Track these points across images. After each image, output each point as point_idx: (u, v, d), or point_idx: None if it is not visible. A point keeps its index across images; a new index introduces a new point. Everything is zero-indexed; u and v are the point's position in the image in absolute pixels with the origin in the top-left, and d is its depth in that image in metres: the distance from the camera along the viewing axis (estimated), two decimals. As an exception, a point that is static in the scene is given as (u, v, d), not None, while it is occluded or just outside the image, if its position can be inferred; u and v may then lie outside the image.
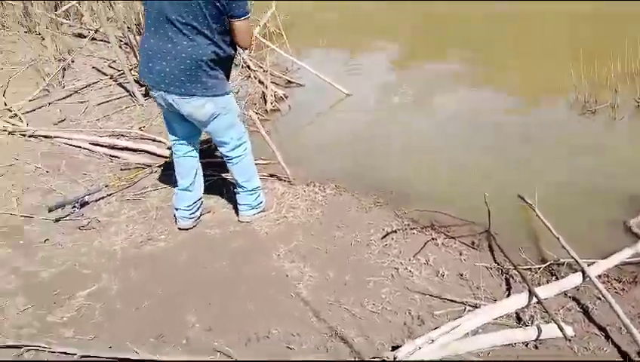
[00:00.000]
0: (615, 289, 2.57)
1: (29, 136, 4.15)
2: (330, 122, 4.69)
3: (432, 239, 2.99)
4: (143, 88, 4.73)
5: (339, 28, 7.27)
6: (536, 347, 2.25)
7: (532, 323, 2.37)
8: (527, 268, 2.76)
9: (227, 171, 3.58)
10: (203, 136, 3.11)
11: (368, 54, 6.45)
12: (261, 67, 5.42)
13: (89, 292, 2.63)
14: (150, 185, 3.56)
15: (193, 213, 3.03)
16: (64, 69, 5.30)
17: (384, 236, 3.01)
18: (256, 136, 3.59)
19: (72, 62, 5.53)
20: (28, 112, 4.55)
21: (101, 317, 2.48)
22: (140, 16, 5.84)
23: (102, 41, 6.07)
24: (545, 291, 2.51)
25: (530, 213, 3.15)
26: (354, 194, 3.47)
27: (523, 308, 2.44)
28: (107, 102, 4.81)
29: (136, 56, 4.93)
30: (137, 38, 5.01)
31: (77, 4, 6.65)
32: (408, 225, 3.14)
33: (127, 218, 3.23)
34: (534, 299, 2.41)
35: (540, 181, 3.49)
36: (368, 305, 2.49)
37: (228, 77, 2.77)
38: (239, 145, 2.88)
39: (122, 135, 4.24)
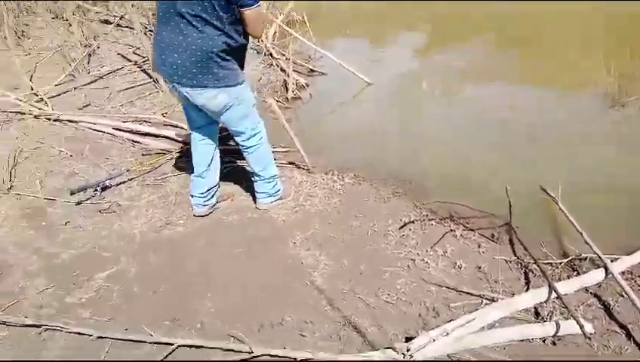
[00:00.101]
0: (639, 286, 2.50)
1: (54, 120, 4.22)
2: (351, 111, 4.65)
3: (451, 231, 2.94)
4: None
5: (363, 17, 7.20)
6: (554, 343, 2.20)
7: (551, 318, 2.32)
8: (548, 263, 2.70)
9: (241, 160, 3.61)
10: (222, 124, 3.11)
11: (392, 44, 6.38)
12: (283, 55, 5.41)
13: (108, 274, 2.66)
14: (170, 170, 3.58)
15: (208, 201, 3.04)
16: (90, 55, 5.37)
17: (402, 226, 2.98)
18: (276, 124, 3.58)
19: (98, 48, 5.60)
20: (53, 97, 4.62)
21: (118, 299, 2.51)
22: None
23: (127, 27, 6.13)
24: (565, 286, 2.45)
25: (553, 206, 3.08)
26: (373, 184, 3.44)
27: (542, 303, 2.39)
28: (131, 88, 4.86)
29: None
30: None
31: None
32: (427, 216, 3.10)
33: (147, 202, 3.27)
34: (554, 294, 2.36)
35: (565, 174, 3.40)
36: (383, 295, 2.47)
37: (242, 66, 2.73)
38: (254, 135, 2.87)
39: (145, 121, 4.28)
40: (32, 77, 4.96)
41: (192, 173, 3.04)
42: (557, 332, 2.22)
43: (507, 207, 2.99)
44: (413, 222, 3.02)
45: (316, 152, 3.74)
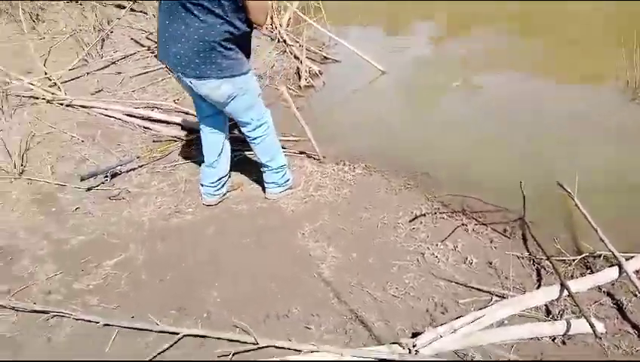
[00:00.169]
0: (654, 286, 2.44)
1: (67, 105, 4.23)
2: (364, 100, 4.59)
3: (462, 225, 2.90)
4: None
5: (380, 4, 7.08)
6: (563, 342, 2.16)
7: (561, 317, 2.28)
8: (561, 260, 2.64)
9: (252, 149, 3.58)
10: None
11: (408, 32, 6.29)
12: (297, 42, 5.34)
13: (116, 261, 2.67)
14: (181, 158, 3.57)
15: (218, 190, 3.02)
16: (103, 40, 5.35)
17: (412, 219, 2.94)
18: (287, 113, 3.55)
19: (111, 32, 5.58)
20: (66, 82, 4.62)
21: (126, 286, 2.52)
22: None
23: (140, 12, 6.10)
24: (577, 284, 2.40)
25: (569, 201, 3.02)
26: (384, 175, 3.39)
27: (553, 301, 2.35)
28: (143, 73, 4.84)
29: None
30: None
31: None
32: (438, 209, 3.06)
33: (156, 190, 3.26)
34: (565, 293, 2.31)
35: (582, 168, 3.32)
36: (391, 290, 2.45)
37: (248, 55, 2.66)
38: (260, 125, 2.83)
39: (157, 107, 4.26)
40: (45, 61, 4.96)
41: (203, 161, 3.02)
42: (567, 331, 2.17)
43: (521, 201, 2.93)
44: (424, 215, 2.98)
45: (328, 141, 3.70)
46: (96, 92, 4.53)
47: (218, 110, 2.82)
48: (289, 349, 2.11)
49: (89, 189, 3.21)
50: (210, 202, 3.05)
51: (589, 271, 2.57)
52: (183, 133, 3.85)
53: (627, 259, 2.48)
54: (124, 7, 6.06)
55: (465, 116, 4.20)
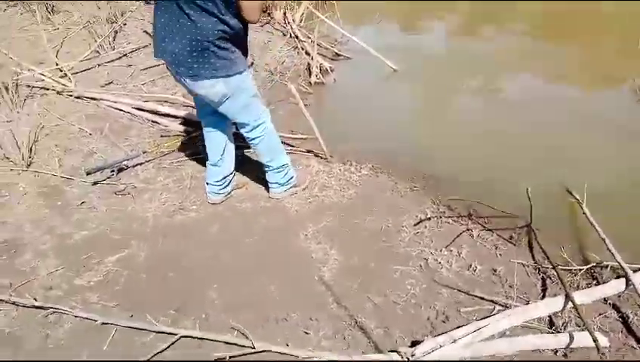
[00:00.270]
0: (662, 300, 2.39)
1: (77, 97, 4.23)
2: (374, 98, 4.54)
3: (468, 230, 2.86)
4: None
5: (394, 2, 7.00)
6: (565, 355, 2.13)
7: (565, 329, 2.24)
8: (567, 269, 2.60)
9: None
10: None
11: (422, 30, 6.23)
12: (309, 37, 5.30)
13: (118, 258, 2.67)
14: (187, 153, 3.56)
15: (223, 188, 3.01)
16: (115, 32, 5.35)
17: (417, 223, 2.90)
18: (296, 110, 3.52)
19: (124, 25, 5.58)
20: (77, 73, 4.63)
21: (126, 284, 2.51)
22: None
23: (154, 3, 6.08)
24: (583, 296, 2.36)
25: (578, 209, 2.97)
26: (390, 177, 3.36)
27: (557, 312, 2.30)
28: (154, 67, 4.82)
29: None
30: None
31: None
32: (444, 212, 3.02)
33: (162, 185, 3.25)
34: (570, 304, 2.27)
35: (592, 174, 3.28)
36: (392, 296, 2.42)
37: (245, 53, 2.59)
38: (257, 126, 2.77)
39: (165, 101, 4.25)
40: (58, 52, 4.97)
41: (208, 159, 3.00)
42: (570, 344, 2.13)
43: (529, 208, 2.89)
44: (429, 218, 2.94)
45: (336, 140, 3.66)
46: (107, 84, 4.54)
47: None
48: (286, 354, 2.10)
49: (95, 183, 3.22)
50: (215, 200, 3.04)
51: (595, 282, 2.53)
52: (191, 128, 3.83)
53: (635, 271, 2.43)
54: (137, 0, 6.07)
55: (476, 118, 4.15)
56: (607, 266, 2.58)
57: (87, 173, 3.20)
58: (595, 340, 2.04)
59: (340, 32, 5.39)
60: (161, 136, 3.80)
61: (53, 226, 2.88)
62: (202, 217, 2.99)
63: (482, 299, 2.40)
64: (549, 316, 2.30)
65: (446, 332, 2.12)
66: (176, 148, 3.62)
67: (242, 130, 2.81)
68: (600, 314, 2.34)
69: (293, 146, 3.68)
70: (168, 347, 2.16)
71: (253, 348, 2.10)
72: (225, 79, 2.47)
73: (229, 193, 3.07)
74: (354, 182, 3.28)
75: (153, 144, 3.66)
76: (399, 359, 2.03)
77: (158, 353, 2.13)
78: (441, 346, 2.06)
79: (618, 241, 2.61)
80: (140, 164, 3.44)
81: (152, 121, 4.00)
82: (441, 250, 2.71)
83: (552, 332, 2.22)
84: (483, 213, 3.00)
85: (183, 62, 2.40)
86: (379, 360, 2.06)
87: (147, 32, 5.47)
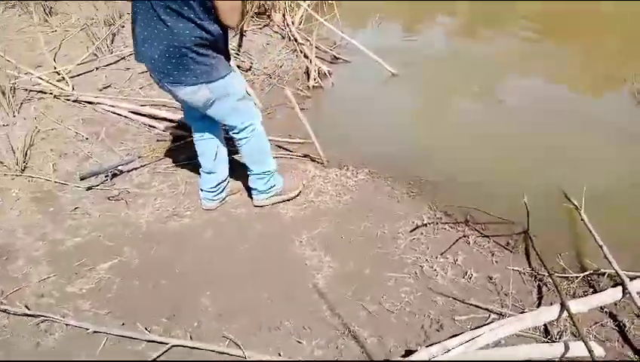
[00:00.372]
0: (658, 308, 2.36)
1: (74, 101, 4.22)
2: (372, 103, 4.51)
3: (464, 236, 2.83)
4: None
5: (395, 4, 6.97)
6: (561, 366, 2.09)
7: (560, 338, 2.22)
8: (564, 277, 2.58)
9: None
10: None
11: (422, 33, 6.19)
12: (308, 40, 5.28)
13: (110, 265, 2.65)
14: (183, 158, 3.53)
15: (218, 195, 2.98)
16: (114, 34, 5.33)
17: (413, 229, 2.88)
18: (292, 114, 3.50)
19: (122, 27, 5.56)
20: (75, 76, 4.60)
21: (119, 291, 2.49)
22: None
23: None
24: (579, 304, 2.33)
25: (576, 214, 2.95)
26: (387, 182, 3.33)
27: (553, 321, 2.27)
28: (151, 70, 4.80)
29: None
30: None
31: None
32: (440, 218, 2.99)
33: (156, 191, 3.23)
34: (565, 313, 2.24)
35: (591, 178, 3.25)
36: (386, 304, 2.39)
37: (227, 56, 2.53)
38: (245, 128, 2.70)
39: (163, 105, 4.23)
40: (56, 55, 4.96)
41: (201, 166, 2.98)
42: (565, 353, 2.10)
43: (526, 214, 2.86)
44: (425, 225, 2.91)
45: (333, 145, 3.63)
46: (104, 88, 4.51)
47: (206, 115, 2.71)
48: (278, 364, 2.08)
49: (89, 189, 3.20)
50: (210, 207, 3.02)
51: (592, 290, 2.50)
52: (187, 133, 3.80)
53: (631, 279, 2.41)
54: (135, 2, 6.04)
55: (475, 121, 4.11)
56: (604, 274, 2.55)
57: (82, 178, 3.18)
58: (590, 350, 2.02)
59: (339, 34, 5.36)
60: (158, 141, 3.78)
61: (46, 232, 2.86)
62: (196, 223, 2.97)
63: (477, 307, 2.38)
64: (545, 325, 2.27)
65: (440, 342, 2.10)
66: (172, 152, 3.60)
67: (230, 131, 2.75)
68: (596, 323, 2.31)
69: (290, 151, 3.66)
70: (159, 356, 2.14)
71: (245, 357, 2.08)
72: (207, 85, 2.41)
73: (223, 199, 3.05)
74: (350, 187, 3.26)
75: (149, 148, 3.64)
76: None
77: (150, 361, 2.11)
78: (434, 357, 2.03)
79: (617, 246, 2.61)
80: (135, 168, 3.42)
81: (149, 126, 3.98)
82: (436, 257, 2.68)
83: (548, 342, 2.19)
84: (480, 219, 2.97)
85: (163, 69, 2.35)
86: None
87: (145, 35, 5.45)
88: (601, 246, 2.60)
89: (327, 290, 2.47)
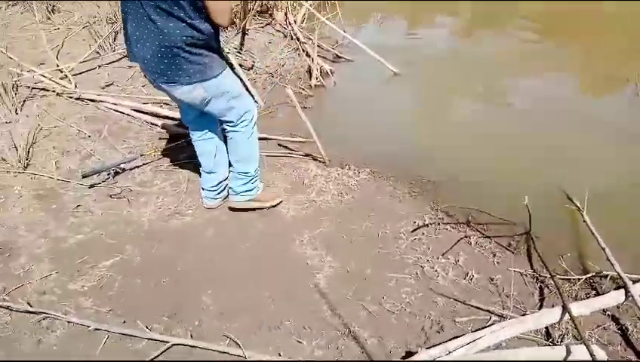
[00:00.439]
0: (661, 311, 2.35)
1: (76, 99, 4.22)
2: (374, 102, 4.51)
3: (465, 237, 2.83)
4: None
5: (398, 3, 6.96)
6: (562, 369, 2.09)
7: (562, 341, 2.21)
8: (566, 279, 2.58)
9: (259, 149, 3.53)
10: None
11: (424, 32, 6.17)
12: (310, 39, 5.27)
13: (112, 262, 2.65)
14: (185, 156, 3.53)
15: (219, 194, 2.98)
16: (116, 32, 5.33)
17: (414, 229, 2.88)
18: (295, 114, 3.49)
19: (125, 25, 5.55)
20: (78, 74, 4.61)
21: (120, 289, 2.50)
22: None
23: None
24: (581, 307, 2.33)
25: (579, 215, 2.94)
26: (389, 181, 3.33)
27: (554, 323, 2.27)
28: (154, 67, 4.80)
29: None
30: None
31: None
32: (442, 219, 2.99)
33: (158, 189, 3.24)
34: (567, 315, 2.24)
35: (594, 178, 3.26)
36: (387, 304, 2.39)
37: (221, 54, 2.49)
38: (239, 123, 2.66)
39: (165, 103, 4.23)
40: (58, 52, 4.96)
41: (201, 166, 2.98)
42: (567, 357, 2.10)
43: (528, 215, 2.86)
44: (426, 225, 2.91)
45: (335, 144, 3.64)
46: (107, 85, 4.52)
47: (202, 114, 2.70)
48: (278, 363, 2.08)
49: (91, 186, 3.20)
50: (211, 205, 3.02)
51: (594, 292, 2.50)
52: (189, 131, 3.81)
53: (634, 282, 2.40)
54: None
55: (477, 121, 4.11)
56: (606, 276, 2.55)
57: (84, 176, 3.19)
58: (592, 354, 2.01)
59: (341, 33, 5.35)
60: (160, 139, 3.78)
61: (48, 230, 2.86)
62: (198, 222, 2.97)
63: (478, 308, 2.38)
64: (546, 327, 2.27)
65: (440, 344, 2.10)
66: (173, 150, 3.60)
67: (225, 123, 2.70)
68: (598, 326, 2.31)
69: (292, 150, 3.66)
70: (160, 354, 2.14)
71: (245, 357, 2.08)
72: (202, 83, 2.38)
73: (225, 198, 3.05)
74: (352, 186, 3.26)
75: (151, 146, 3.64)
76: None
77: (149, 361, 2.11)
78: (434, 359, 2.03)
79: (619, 247, 2.62)
80: (138, 166, 3.42)
81: (151, 124, 3.98)
82: (438, 258, 2.68)
83: (549, 345, 2.19)
84: (482, 219, 2.97)
85: (156, 69, 2.33)
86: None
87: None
88: (603, 249, 2.59)
89: (328, 290, 2.47)
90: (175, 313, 2.36)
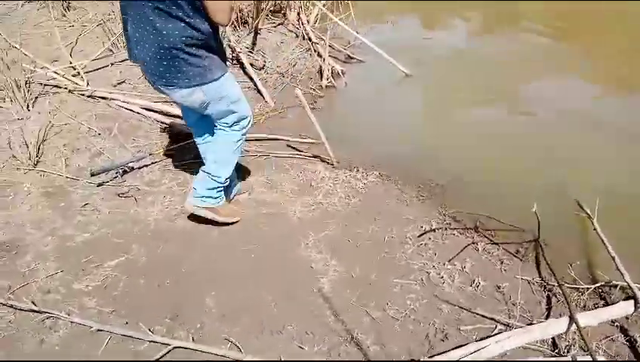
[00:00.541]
0: (671, 323, 2.30)
1: (88, 96, 4.24)
2: (385, 103, 4.46)
3: (473, 243, 2.79)
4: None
5: (412, 3, 6.90)
6: (568, 381, 2.05)
7: (568, 352, 2.17)
8: (574, 288, 2.53)
9: (266, 150, 3.52)
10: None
11: (438, 33, 6.10)
12: (322, 39, 5.24)
13: (117, 262, 2.65)
14: (193, 156, 3.52)
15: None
16: (129, 30, 5.35)
17: (421, 234, 2.84)
18: (304, 114, 3.47)
19: (138, 22, 5.57)
20: (90, 71, 4.63)
21: (124, 289, 2.50)
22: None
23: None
24: (588, 317, 2.28)
25: (589, 222, 2.89)
26: (397, 184, 3.30)
27: (561, 334, 2.23)
28: (165, 66, 4.81)
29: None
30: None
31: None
32: (449, 224, 2.96)
33: (166, 188, 3.24)
34: (574, 326, 2.20)
35: (607, 185, 3.20)
36: (391, 311, 2.36)
37: (223, 56, 2.46)
38: (234, 124, 2.61)
39: (175, 102, 4.23)
40: (72, 50, 5.00)
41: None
42: (573, 369, 2.06)
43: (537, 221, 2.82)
44: (433, 230, 2.88)
45: (343, 145, 3.62)
46: (118, 83, 4.53)
47: (203, 116, 2.65)
48: (279, 368, 2.07)
49: (100, 185, 3.21)
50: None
51: (603, 302, 2.45)
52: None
53: (644, 293, 2.35)
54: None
55: (488, 124, 4.04)
56: (615, 286, 2.49)
57: (92, 175, 3.20)
58: (598, 366, 1.98)
59: (353, 34, 5.32)
60: (169, 138, 3.78)
61: (56, 228, 2.88)
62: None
63: (484, 317, 2.34)
64: (553, 338, 2.23)
65: (444, 352, 2.07)
66: (182, 150, 3.60)
67: (219, 123, 2.63)
68: (606, 337, 2.26)
69: (300, 151, 3.65)
70: (161, 357, 2.14)
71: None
72: (201, 87, 2.35)
73: (231, 199, 3.04)
74: (359, 189, 3.23)
75: (160, 146, 3.65)
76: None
77: (150, 362, 2.11)
78: (437, 366, 2.01)
79: (630, 256, 2.55)
80: (146, 165, 3.43)
81: (161, 122, 3.99)
82: (444, 264, 2.65)
83: (555, 356, 2.15)
84: (490, 225, 2.93)
85: (155, 71, 2.30)
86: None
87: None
88: (613, 258, 2.54)
89: (332, 294, 2.45)
90: (177, 315, 2.36)
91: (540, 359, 2.14)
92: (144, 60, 2.31)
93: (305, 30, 5.40)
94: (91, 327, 2.24)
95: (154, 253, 2.73)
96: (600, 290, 2.51)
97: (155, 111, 4.08)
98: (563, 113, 4.11)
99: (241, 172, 3.07)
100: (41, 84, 4.35)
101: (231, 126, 2.62)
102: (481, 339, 2.17)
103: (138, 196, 3.16)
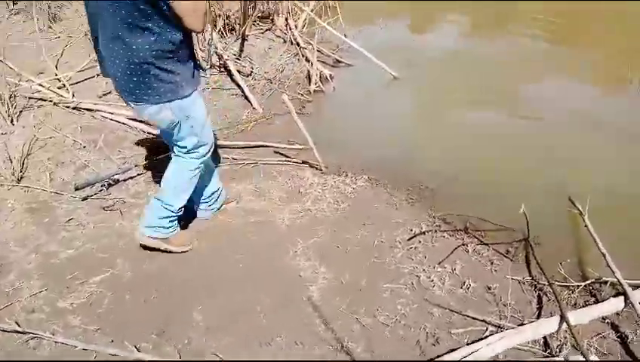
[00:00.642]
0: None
1: (73, 108, 4.20)
2: (373, 107, 4.43)
3: (463, 245, 2.77)
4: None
5: (400, 4, 6.88)
6: (561, 381, 2.02)
7: (560, 351, 2.14)
8: (565, 286, 2.51)
9: (254, 158, 3.49)
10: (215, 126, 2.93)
11: (427, 36, 6.10)
12: (310, 44, 5.21)
13: (102, 278, 2.61)
14: (180, 166, 3.50)
15: (211, 205, 2.94)
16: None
17: (411, 238, 2.82)
18: (293, 120, 3.44)
19: (123, 33, 5.53)
20: (75, 83, 4.59)
21: (109, 306, 2.45)
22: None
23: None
24: (580, 315, 2.28)
25: (579, 220, 2.87)
26: (386, 188, 3.27)
27: (553, 333, 2.20)
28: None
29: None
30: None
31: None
32: (439, 226, 2.93)
33: (152, 200, 3.19)
34: (565, 325, 2.17)
35: (598, 182, 3.19)
36: (381, 317, 2.33)
37: (196, 67, 2.33)
38: (192, 151, 2.51)
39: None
40: (58, 61, 4.95)
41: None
42: (565, 370, 2.04)
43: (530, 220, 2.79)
44: (423, 233, 2.85)
45: (332, 150, 3.59)
46: (104, 95, 4.49)
47: None
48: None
49: (84, 199, 3.17)
50: (204, 217, 2.97)
51: (593, 299, 2.43)
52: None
53: (634, 288, 2.33)
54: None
55: (476, 127, 4.01)
56: (606, 282, 2.48)
57: (77, 189, 3.16)
58: (590, 366, 1.95)
59: (341, 38, 5.29)
60: (155, 149, 3.74)
61: (40, 244, 2.83)
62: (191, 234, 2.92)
63: (475, 319, 2.31)
64: (544, 337, 2.20)
65: (437, 357, 2.04)
66: (168, 160, 3.55)
67: (177, 147, 2.54)
68: (598, 334, 2.25)
69: (288, 157, 3.61)
70: (147, 373, 2.10)
71: (233, 374, 2.03)
72: (170, 104, 2.26)
73: (217, 209, 3.00)
74: (348, 194, 3.20)
75: (146, 156, 3.61)
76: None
77: (136, 380, 2.07)
78: (428, 373, 1.97)
79: (620, 252, 2.55)
80: (132, 177, 3.39)
81: (147, 133, 3.95)
82: (434, 267, 2.62)
83: (547, 356, 2.12)
84: (480, 226, 2.91)
85: (125, 87, 2.22)
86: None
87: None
88: (604, 255, 2.52)
89: (322, 303, 2.42)
90: (164, 331, 2.31)
91: (532, 359, 2.11)
92: (115, 75, 2.24)
93: (293, 35, 5.37)
94: (76, 347, 2.20)
95: (139, 267, 2.68)
96: (590, 287, 2.50)
97: (141, 122, 4.03)
98: (563, 113, 4.11)
99: (227, 180, 3.03)
100: (26, 97, 4.30)
101: (189, 151, 2.51)
102: (473, 342, 2.14)
103: (124, 209, 3.11)
